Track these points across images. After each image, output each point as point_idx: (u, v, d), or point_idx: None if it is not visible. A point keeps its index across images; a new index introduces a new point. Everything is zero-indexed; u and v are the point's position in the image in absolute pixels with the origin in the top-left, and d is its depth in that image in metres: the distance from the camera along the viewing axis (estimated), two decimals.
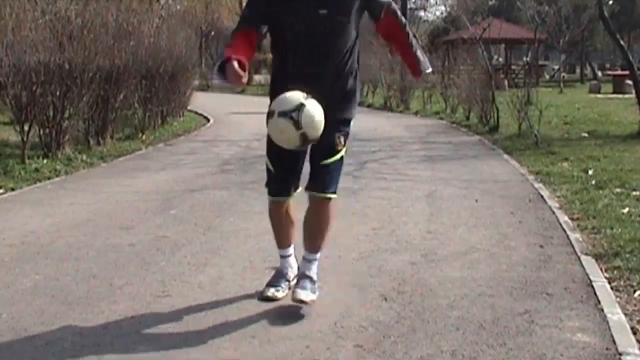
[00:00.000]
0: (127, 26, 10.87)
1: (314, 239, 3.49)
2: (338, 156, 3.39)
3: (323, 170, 3.38)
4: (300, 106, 3.08)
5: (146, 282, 3.92)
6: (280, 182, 3.47)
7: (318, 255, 3.54)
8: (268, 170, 3.50)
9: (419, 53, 3.54)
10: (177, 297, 3.67)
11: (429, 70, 3.61)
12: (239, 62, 3.08)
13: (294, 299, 3.36)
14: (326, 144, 3.30)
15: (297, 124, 3.06)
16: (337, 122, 3.33)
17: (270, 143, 3.35)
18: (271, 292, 3.53)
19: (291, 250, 3.66)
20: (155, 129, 12.25)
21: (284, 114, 3.08)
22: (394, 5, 3.51)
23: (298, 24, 3.23)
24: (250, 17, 3.33)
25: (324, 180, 3.39)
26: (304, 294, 3.36)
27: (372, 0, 3.40)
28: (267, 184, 3.53)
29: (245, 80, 3.11)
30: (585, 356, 2.93)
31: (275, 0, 3.25)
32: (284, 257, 3.65)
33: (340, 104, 3.37)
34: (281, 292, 3.53)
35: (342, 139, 3.39)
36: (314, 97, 3.16)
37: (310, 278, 3.47)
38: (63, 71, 8.48)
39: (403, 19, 3.56)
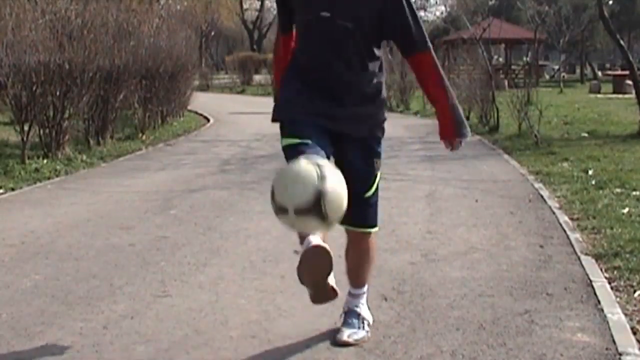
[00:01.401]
0: (127, 26, 10.88)
1: (358, 274, 3.18)
2: (376, 184, 3.04)
3: (363, 203, 2.98)
4: (319, 195, 2.33)
5: (146, 282, 3.92)
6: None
7: (365, 289, 3.23)
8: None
9: (459, 111, 3.09)
10: (177, 297, 3.67)
11: (468, 137, 3.13)
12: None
13: (338, 342, 3.03)
14: (363, 175, 2.97)
15: (324, 217, 2.37)
16: (366, 144, 2.99)
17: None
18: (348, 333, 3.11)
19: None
20: (155, 129, 12.26)
21: (301, 212, 2.35)
22: (429, 45, 2.99)
23: (305, 26, 3.03)
24: (281, 25, 3.19)
25: (365, 214, 3.04)
26: (347, 333, 3.06)
27: (399, 27, 2.91)
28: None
29: None
30: (585, 356, 2.93)
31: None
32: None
33: (364, 121, 2.99)
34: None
35: (377, 163, 3.04)
36: (328, 110, 2.83)
37: (357, 314, 3.15)
38: (63, 71, 8.49)
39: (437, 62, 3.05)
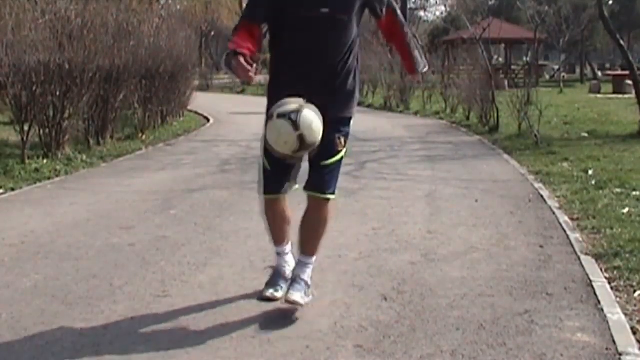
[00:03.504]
0: (127, 26, 10.88)
1: (310, 240, 3.47)
2: (338, 157, 3.39)
3: (323, 170, 3.36)
4: (300, 108, 3.09)
5: (146, 282, 3.92)
6: (274, 181, 3.43)
7: (313, 259, 3.52)
8: (263, 169, 3.45)
9: (416, 53, 3.60)
10: (177, 297, 3.67)
11: (425, 69, 3.65)
12: (244, 57, 3.06)
13: (287, 300, 3.34)
14: (326, 145, 3.27)
15: (296, 125, 3.05)
16: (336, 121, 3.33)
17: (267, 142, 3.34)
18: (270, 292, 3.52)
19: (288, 247, 3.64)
20: (155, 129, 12.26)
21: (282, 115, 3.08)
22: (394, 4, 3.54)
23: (299, 22, 3.22)
24: (253, 14, 3.30)
25: (323, 180, 3.37)
26: (298, 296, 3.34)
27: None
28: (260, 183, 3.48)
29: (253, 74, 3.07)
30: (585, 356, 2.93)
31: None
32: (280, 254, 3.63)
33: (339, 103, 3.37)
34: (280, 292, 3.51)
35: (342, 140, 3.38)
36: (313, 95, 3.16)
37: (305, 282, 3.42)
38: (63, 71, 8.49)
39: (402, 18, 3.60)
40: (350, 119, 3.45)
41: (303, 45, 3.27)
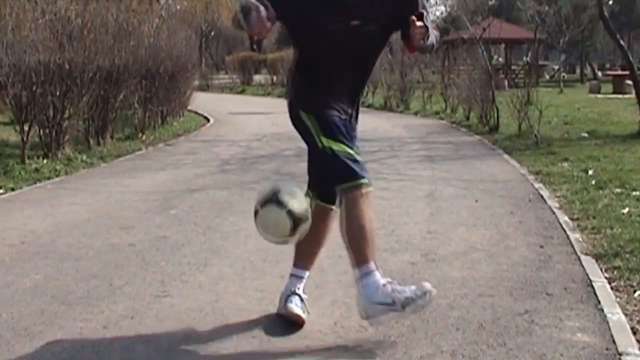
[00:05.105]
0: (127, 26, 10.88)
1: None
2: None
3: None
4: (275, 188, 3.04)
5: (146, 282, 3.92)
6: (359, 162, 3.11)
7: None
8: (336, 153, 3.05)
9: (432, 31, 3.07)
10: (177, 297, 3.67)
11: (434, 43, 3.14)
12: (266, 9, 2.80)
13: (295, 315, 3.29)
14: None
15: (280, 204, 2.97)
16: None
17: (330, 121, 3.08)
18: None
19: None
20: (155, 129, 12.26)
21: (263, 202, 3.02)
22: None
23: (330, 34, 3.03)
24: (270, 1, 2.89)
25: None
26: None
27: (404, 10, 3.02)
28: (346, 172, 3.06)
29: (267, 30, 2.83)
30: (585, 356, 2.93)
31: (308, 6, 3.05)
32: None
33: (356, 115, 3.31)
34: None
35: None
36: (342, 110, 3.12)
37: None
38: (63, 71, 8.49)
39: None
40: None
41: (334, 58, 3.09)
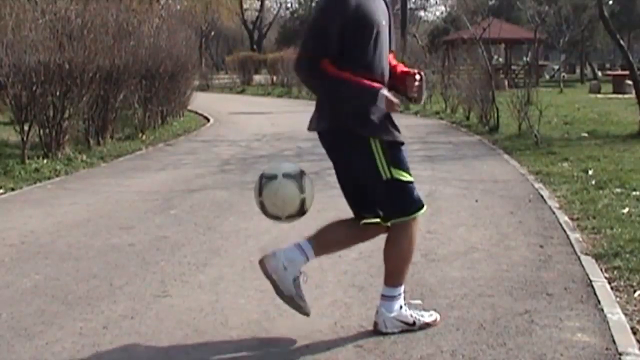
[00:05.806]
0: (127, 26, 10.89)
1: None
2: None
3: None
4: (303, 173, 3.10)
5: (146, 282, 3.92)
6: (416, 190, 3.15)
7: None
8: (405, 183, 3.07)
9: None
10: (177, 297, 3.67)
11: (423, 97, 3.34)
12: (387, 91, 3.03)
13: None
14: None
15: (301, 188, 3.04)
16: None
17: (398, 150, 3.09)
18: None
19: None
20: (155, 129, 12.26)
21: (288, 176, 3.06)
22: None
23: (374, 35, 3.07)
24: (331, 48, 2.99)
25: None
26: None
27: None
28: (413, 204, 3.09)
29: (399, 104, 3.02)
30: (585, 356, 2.93)
31: (364, 5, 3.03)
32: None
33: None
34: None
35: None
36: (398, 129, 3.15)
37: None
38: (63, 71, 8.49)
39: None
40: None
41: (379, 60, 3.11)
